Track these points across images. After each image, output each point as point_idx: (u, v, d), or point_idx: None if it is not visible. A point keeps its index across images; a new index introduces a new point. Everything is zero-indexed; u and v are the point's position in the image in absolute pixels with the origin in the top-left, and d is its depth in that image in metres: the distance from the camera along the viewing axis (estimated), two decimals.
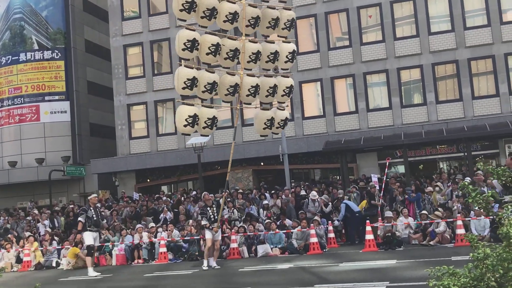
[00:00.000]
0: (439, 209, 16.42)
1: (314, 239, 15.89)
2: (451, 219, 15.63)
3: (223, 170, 28.41)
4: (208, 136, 13.65)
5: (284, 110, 13.79)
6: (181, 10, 11.90)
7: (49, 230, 21.17)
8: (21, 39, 33.93)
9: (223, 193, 15.10)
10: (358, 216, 17.24)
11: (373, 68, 26.86)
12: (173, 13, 30.93)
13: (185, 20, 12.20)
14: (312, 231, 16.03)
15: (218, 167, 28.76)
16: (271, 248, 16.37)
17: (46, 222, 22.25)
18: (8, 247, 19.19)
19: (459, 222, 14.94)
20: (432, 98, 25.95)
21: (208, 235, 14.14)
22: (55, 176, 30.06)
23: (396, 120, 26.18)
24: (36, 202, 31.34)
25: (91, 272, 14.69)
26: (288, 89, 13.49)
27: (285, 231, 17.00)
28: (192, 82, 11.99)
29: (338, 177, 26.26)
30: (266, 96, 13.26)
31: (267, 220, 17.73)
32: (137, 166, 29.55)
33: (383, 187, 18.70)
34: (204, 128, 12.48)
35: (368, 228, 15.63)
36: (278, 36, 13.61)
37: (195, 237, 17.34)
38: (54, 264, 18.32)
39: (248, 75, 13.02)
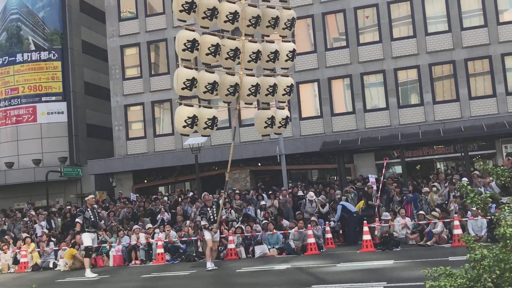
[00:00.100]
0: (436, 209, 16.44)
1: (311, 240, 15.88)
2: (448, 220, 15.65)
3: (221, 170, 28.47)
4: (209, 136, 13.66)
5: (284, 109, 13.81)
6: (181, 11, 11.90)
7: (46, 231, 21.12)
8: (18, 40, 33.87)
9: (223, 194, 15.12)
10: (355, 217, 17.25)
11: (370, 68, 26.89)
12: (170, 14, 31.03)
13: (185, 21, 12.21)
14: (310, 232, 16.03)
15: (216, 168, 28.76)
16: (269, 249, 16.36)
17: (43, 223, 22.21)
18: (5, 249, 19.15)
19: (456, 223, 14.96)
20: (429, 99, 25.98)
21: (207, 236, 14.11)
22: (52, 177, 30.02)
23: (393, 121, 26.21)
24: (33, 203, 31.29)
25: (89, 273, 14.67)
26: (288, 88, 13.51)
27: (282, 231, 17.00)
28: (192, 83, 12.00)
29: (335, 177, 26.26)
30: (266, 95, 13.27)
31: (264, 221, 17.72)
32: (134, 167, 29.52)
33: (380, 187, 18.71)
34: (204, 128, 12.49)
35: (366, 228, 15.64)
36: (279, 35, 13.64)
37: (192, 238, 17.33)
38: (51, 265, 18.27)
39: (247, 74, 13.03)
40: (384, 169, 19.79)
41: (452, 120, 25.09)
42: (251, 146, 27.22)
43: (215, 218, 14.23)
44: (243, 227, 17.27)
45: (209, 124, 12.46)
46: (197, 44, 12.03)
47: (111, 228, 19.31)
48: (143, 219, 20.55)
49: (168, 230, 17.95)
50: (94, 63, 36.03)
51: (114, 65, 30.59)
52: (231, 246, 16.55)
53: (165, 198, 23.94)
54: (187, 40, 11.92)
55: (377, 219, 16.85)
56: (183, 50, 11.96)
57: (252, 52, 12.81)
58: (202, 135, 13.31)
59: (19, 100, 33.36)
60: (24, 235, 20.27)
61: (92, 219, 14.99)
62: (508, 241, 4.08)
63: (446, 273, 4.24)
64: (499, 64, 25.35)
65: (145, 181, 30.57)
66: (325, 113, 27.29)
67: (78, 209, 16.77)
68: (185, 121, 12.09)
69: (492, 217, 4.55)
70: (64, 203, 29.72)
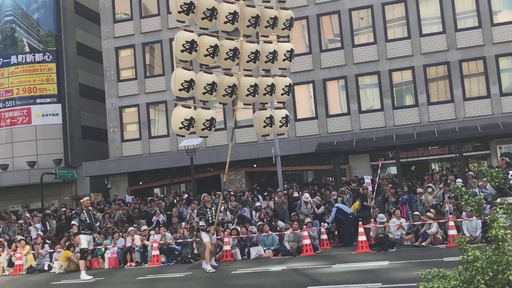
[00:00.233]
0: (431, 210, 16.49)
1: (307, 241, 15.90)
2: (443, 220, 15.70)
3: (216, 172, 28.49)
4: (206, 137, 13.65)
5: (282, 108, 13.83)
6: (179, 12, 11.90)
7: (41, 233, 21.05)
8: (12, 41, 33.77)
9: (220, 195, 15.13)
10: (351, 218, 17.28)
11: (365, 70, 26.95)
12: (165, 15, 30.98)
13: (183, 22, 12.20)
14: (305, 233, 16.05)
15: (211, 169, 28.76)
16: (264, 250, 16.37)
17: (38, 225, 22.12)
18: None
19: (451, 223, 15.01)
20: (423, 100, 26.05)
21: (206, 238, 14.09)
22: (47, 179, 29.92)
23: (388, 122, 26.27)
24: (28, 205, 31.18)
25: (84, 276, 14.65)
26: (287, 88, 13.54)
27: (278, 233, 17.00)
28: (189, 84, 11.99)
29: (330, 178, 26.31)
30: (264, 94, 13.30)
31: (260, 222, 17.72)
32: (129, 169, 29.48)
33: (375, 188, 18.75)
34: (202, 129, 12.49)
35: (361, 229, 15.67)
36: (278, 36, 13.67)
37: (188, 240, 17.32)
38: (46, 268, 18.23)
39: (246, 75, 13.05)
40: (379, 170, 19.84)
41: (446, 121, 25.17)
42: (247, 147, 27.23)
43: (214, 219, 14.21)
44: (239, 228, 17.28)
45: (207, 125, 12.46)
46: (195, 45, 12.02)
47: (106, 230, 19.27)
48: (138, 221, 20.52)
49: (163, 232, 17.93)
50: (89, 65, 35.96)
51: (109, 66, 30.55)
52: (226, 247, 16.55)
53: (159, 200, 23.88)
54: (185, 41, 11.91)
55: (372, 220, 16.89)
56: (182, 51, 11.95)
57: (251, 53, 12.83)
58: (200, 136, 13.32)
59: (13, 102, 33.26)
60: (19, 237, 20.20)
61: (88, 221, 14.96)
62: (500, 243, 4.11)
63: (439, 275, 4.26)
64: (493, 65, 25.45)
65: (140, 182, 30.52)
66: (320, 114, 27.33)
67: (73, 212, 16.70)
68: (181, 122, 12.09)
69: (486, 218, 4.58)
70: (59, 205, 29.64)
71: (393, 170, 26.00)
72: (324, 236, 17.29)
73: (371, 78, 27.14)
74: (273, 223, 17.84)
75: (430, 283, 4.29)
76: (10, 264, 18.89)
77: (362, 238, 15.49)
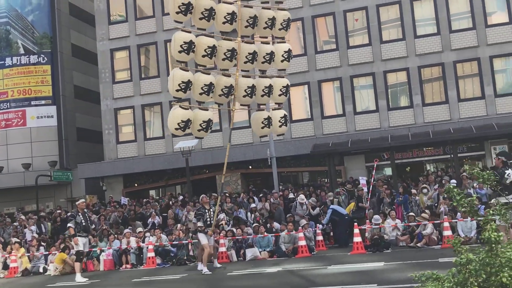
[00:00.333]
0: (426, 211, 16.53)
1: (302, 242, 15.92)
2: (438, 221, 15.75)
3: (211, 174, 28.49)
4: (202, 138, 13.64)
5: (279, 109, 13.85)
6: (177, 13, 11.87)
7: (36, 235, 21.00)
8: (7, 43, 33.69)
9: (218, 196, 15.14)
10: (346, 219, 17.30)
11: (360, 71, 27.01)
12: (160, 17, 30.95)
13: (181, 22, 12.18)
14: (301, 234, 16.06)
15: (206, 171, 28.75)
16: (260, 252, 16.37)
17: (33, 227, 22.06)
18: None
19: (446, 224, 15.05)
20: (418, 101, 26.13)
21: (204, 240, 14.08)
22: (42, 181, 29.85)
23: (383, 123, 26.33)
24: (23, 207, 31.10)
25: (79, 278, 14.62)
26: (284, 89, 13.55)
27: (273, 234, 17.01)
28: (187, 85, 11.98)
29: (326, 179, 26.34)
30: (262, 96, 13.29)
31: (255, 224, 17.74)
32: (124, 171, 29.43)
33: (370, 189, 18.80)
34: (199, 130, 12.46)
35: (356, 230, 15.70)
36: (275, 37, 13.69)
37: (183, 242, 17.30)
38: (41, 270, 18.19)
39: (243, 76, 13.05)
40: (374, 171, 19.89)
41: (441, 122, 25.25)
42: (242, 149, 27.24)
43: (212, 221, 14.21)
44: (234, 230, 17.28)
45: (204, 126, 12.43)
46: (193, 46, 12.02)
47: (102, 232, 19.24)
48: (134, 223, 20.49)
49: (159, 234, 17.91)
50: (84, 67, 35.92)
51: (104, 68, 30.51)
52: (222, 249, 16.55)
53: (154, 202, 23.84)
54: (183, 42, 11.89)
55: (367, 221, 16.93)
56: (179, 52, 11.92)
57: (249, 53, 12.84)
58: (196, 137, 13.30)
59: (8, 104, 33.18)
60: (14, 239, 20.14)
61: (83, 224, 14.92)
62: (493, 245, 4.13)
63: (433, 277, 4.28)
64: (488, 66, 25.56)
65: (136, 184, 30.48)
66: (315, 115, 27.37)
67: (69, 214, 16.66)
68: (178, 124, 12.06)
69: (479, 219, 4.61)
70: (54, 207, 29.55)
71: (388, 171, 26.06)
72: (320, 237, 17.31)
73: (366, 80, 27.21)
74: (268, 224, 17.85)
75: (424, 285, 4.31)
76: (5, 266, 18.85)
77: (357, 239, 15.52)
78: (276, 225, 17.70)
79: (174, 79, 11.94)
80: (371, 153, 25.03)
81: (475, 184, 17.25)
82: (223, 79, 12.66)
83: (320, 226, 17.79)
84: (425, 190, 18.24)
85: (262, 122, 13.29)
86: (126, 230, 18.85)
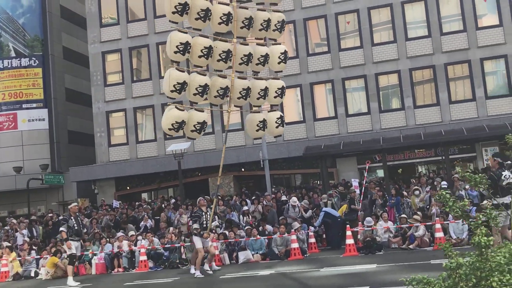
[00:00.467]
0: (418, 212, 16.60)
1: (295, 245, 15.94)
2: (430, 223, 15.81)
3: (204, 176, 28.46)
4: (194, 139, 13.61)
5: (274, 111, 13.86)
6: (173, 13, 11.85)
7: (27, 239, 20.88)
8: None
9: (214, 198, 15.11)
10: (339, 221, 17.34)
11: (352, 73, 27.08)
12: (152, 20, 30.85)
13: (177, 23, 12.17)
14: (293, 237, 16.08)
15: (199, 174, 28.71)
16: (252, 255, 16.37)
17: (24, 231, 21.94)
18: None
19: (438, 226, 15.11)
20: (410, 103, 26.24)
21: (198, 243, 14.04)
22: (33, 185, 29.71)
23: (375, 125, 26.41)
24: (14, 211, 30.92)
25: (71, 282, 14.53)
26: (280, 90, 13.56)
27: (266, 237, 17.01)
28: (182, 86, 11.96)
29: (318, 182, 26.37)
30: (258, 98, 13.30)
31: (248, 227, 17.73)
32: (116, 174, 29.33)
33: (363, 191, 18.84)
34: (192, 131, 12.44)
35: (348, 232, 15.73)
36: (269, 38, 13.70)
37: (176, 245, 17.27)
38: (32, 274, 18.07)
39: (239, 77, 13.05)
40: (366, 173, 19.94)
41: (432, 124, 25.35)
42: (235, 151, 27.21)
43: (207, 224, 14.17)
44: (227, 233, 17.26)
45: (198, 128, 12.42)
46: (189, 47, 12.01)
47: (94, 236, 19.16)
48: (126, 226, 20.42)
49: (151, 237, 17.86)
50: (76, 70, 35.79)
51: (96, 71, 30.42)
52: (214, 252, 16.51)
53: (146, 205, 23.77)
54: (180, 43, 11.87)
55: (360, 223, 16.97)
56: (175, 52, 11.91)
57: (244, 55, 12.84)
58: (188, 137, 13.28)
59: None
60: (5, 243, 20.01)
61: (76, 228, 14.80)
62: (483, 249, 4.15)
63: (424, 281, 4.30)
64: (478, 68, 25.71)
65: (128, 187, 30.38)
66: (307, 118, 27.41)
67: (61, 218, 16.57)
68: (172, 124, 12.04)
69: (470, 223, 4.63)
70: (46, 211, 29.41)
71: (380, 173, 26.13)
72: (312, 240, 17.34)
73: (358, 82, 27.29)
74: (260, 227, 17.84)
75: None
76: None
77: (349, 241, 15.55)
78: (268, 227, 17.70)
79: (170, 80, 11.92)
80: (363, 155, 25.07)
81: (466, 186, 17.33)
82: (218, 80, 12.66)
83: (313, 228, 17.82)
84: (417, 192, 18.30)
85: (257, 125, 13.29)
86: (119, 234, 18.79)
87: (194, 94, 12.26)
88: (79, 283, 14.69)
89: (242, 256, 16.29)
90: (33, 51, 33.63)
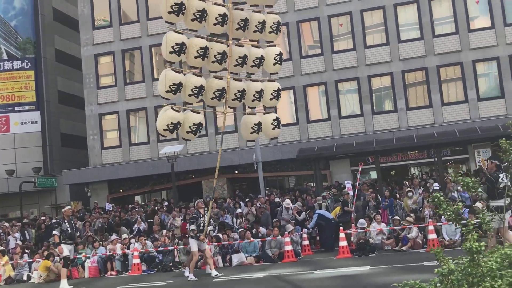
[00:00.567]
0: (411, 214, 16.63)
1: (288, 247, 15.93)
2: (423, 225, 15.85)
3: (197, 179, 28.42)
4: (189, 140, 13.59)
5: (270, 112, 13.86)
6: (169, 13, 11.83)
7: (20, 243, 20.78)
8: None
9: (210, 200, 15.09)
10: (332, 223, 17.36)
11: (345, 75, 27.14)
12: (145, 22, 30.78)
13: (173, 23, 12.15)
14: (287, 239, 16.07)
15: (192, 176, 28.67)
16: (246, 257, 16.35)
17: (17, 234, 21.85)
18: None
19: (431, 227, 15.15)
20: (402, 105, 26.32)
21: (194, 247, 14.00)
22: (26, 188, 29.58)
23: (368, 127, 26.47)
24: (7, 214, 30.77)
25: (64, 285, 14.42)
26: (276, 93, 13.56)
27: (259, 239, 17.00)
28: (177, 87, 11.95)
29: (312, 184, 26.40)
30: (253, 100, 13.30)
31: (241, 229, 17.72)
32: (109, 176, 29.24)
33: (356, 193, 18.88)
34: (187, 132, 12.43)
35: (342, 234, 15.74)
36: (266, 41, 13.72)
37: (169, 248, 17.22)
38: (25, 278, 17.97)
39: (235, 79, 13.05)
40: (359, 175, 19.97)
41: (425, 126, 25.44)
42: (228, 153, 27.17)
43: (204, 226, 14.14)
44: (220, 235, 17.24)
45: (193, 129, 12.40)
46: (184, 48, 12.00)
47: (87, 239, 19.08)
48: (119, 229, 20.35)
49: (143, 241, 17.79)
50: (68, 72, 35.68)
51: (88, 73, 30.34)
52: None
53: (141, 209, 23.73)
54: (175, 43, 11.85)
55: (353, 225, 16.99)
56: (170, 52, 11.88)
57: (239, 57, 12.85)
58: (183, 139, 13.26)
59: None
60: None
61: (69, 231, 14.65)
62: (475, 255, 4.16)
63: (416, 286, 4.31)
64: (471, 70, 25.83)
65: (121, 190, 30.30)
66: (301, 120, 27.45)
67: (55, 221, 16.44)
68: (167, 125, 12.02)
69: (462, 228, 4.64)
70: (39, 214, 29.29)
71: (373, 175, 26.19)
72: (306, 242, 17.34)
73: (351, 84, 27.35)
74: (254, 230, 17.82)
75: None
76: None
77: (343, 243, 15.56)
78: (262, 230, 17.70)
79: (166, 80, 11.89)
80: (356, 157, 25.15)
81: (459, 188, 17.38)
82: (214, 82, 12.65)
83: (306, 230, 17.82)
84: (410, 194, 18.34)
85: (252, 128, 13.29)
86: (114, 237, 18.72)
87: (189, 95, 12.25)
88: (71, 287, 14.60)
89: (236, 258, 16.26)
90: (25, 54, 33.51)
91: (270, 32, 13.44)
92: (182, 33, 12.10)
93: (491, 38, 25.73)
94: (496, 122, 23.04)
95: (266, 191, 23.68)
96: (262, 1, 13.60)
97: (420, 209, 17.30)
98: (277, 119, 13.71)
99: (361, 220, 16.73)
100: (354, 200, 18.56)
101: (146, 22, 29.56)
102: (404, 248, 15.38)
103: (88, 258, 17.78)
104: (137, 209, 22.89)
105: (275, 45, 13.71)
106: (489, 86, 26.32)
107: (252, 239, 16.81)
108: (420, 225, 15.80)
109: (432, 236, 14.95)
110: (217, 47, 12.51)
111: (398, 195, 19.00)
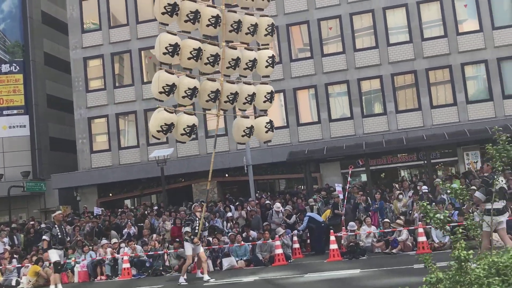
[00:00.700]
0: (401, 217, 16.68)
1: (279, 251, 15.92)
2: (413, 227, 15.89)
3: (187, 182, 28.33)
4: (184, 142, 13.56)
5: (264, 115, 13.85)
6: (163, 14, 11.82)
7: (8, 248, 20.59)
8: None
9: (204, 204, 15.06)
10: (323, 226, 17.37)
11: (334, 79, 27.20)
12: (134, 25, 30.68)
13: (167, 24, 12.13)
14: (277, 243, 16.06)
15: (182, 180, 28.58)
16: (236, 261, 16.32)
17: (5, 239, 21.62)
18: None
19: (421, 230, 15.19)
20: (392, 108, 26.41)
21: (188, 251, 13.95)
22: (14, 192, 29.32)
23: (358, 130, 26.54)
24: None
25: None
26: (269, 95, 13.57)
27: (250, 243, 16.97)
28: (171, 89, 11.93)
29: (302, 187, 26.42)
30: (244, 103, 13.30)
31: (231, 233, 17.67)
32: (99, 180, 29.06)
33: (346, 195, 18.91)
34: (182, 135, 12.39)
35: (332, 237, 15.76)
36: (261, 44, 13.72)
37: (159, 252, 17.15)
38: (14, 283, 17.81)
39: (228, 81, 13.04)
40: (349, 177, 20.00)
41: (414, 128, 25.55)
42: (218, 157, 27.03)
43: (197, 230, 14.09)
44: (210, 239, 17.19)
45: (188, 131, 12.39)
46: (178, 49, 11.97)
47: (76, 243, 18.95)
48: (109, 233, 20.23)
49: (133, 245, 17.69)
50: (57, 76, 35.46)
51: (77, 77, 30.18)
52: None
53: (131, 213, 23.60)
54: (169, 44, 11.83)
55: (343, 227, 17.01)
56: (164, 53, 11.86)
57: (232, 59, 12.85)
58: (177, 141, 13.23)
59: None
60: None
61: (60, 236, 14.48)
62: (463, 263, 4.17)
63: None
64: (459, 73, 25.98)
65: (110, 194, 30.12)
66: (291, 123, 27.47)
67: (45, 226, 16.28)
68: (161, 126, 11.98)
69: (451, 237, 4.66)
70: (27, 218, 29.05)
71: (363, 177, 26.26)
72: (296, 245, 17.33)
73: (341, 87, 27.42)
74: (244, 233, 17.77)
75: None
76: None
77: (333, 246, 15.58)
78: (252, 233, 17.67)
79: (159, 81, 11.87)
80: (346, 160, 25.20)
81: (448, 191, 17.42)
82: (208, 84, 12.64)
83: (296, 231, 17.81)
84: (400, 196, 18.41)
85: (244, 131, 13.29)
86: (104, 241, 18.61)
87: (183, 97, 12.23)
88: None
89: (226, 262, 16.23)
90: (13, 57, 33.27)
91: (265, 35, 13.47)
92: (175, 34, 12.09)
93: (479, 41, 25.90)
94: (485, 125, 23.18)
95: (257, 195, 23.65)
96: (253, 4, 13.62)
97: (410, 211, 17.35)
98: (270, 122, 13.72)
99: (351, 223, 16.76)
100: (345, 203, 18.59)
101: (135, 25, 29.47)
102: (394, 250, 15.42)
103: (78, 263, 17.66)
104: (127, 213, 22.77)
105: (267, 48, 13.73)
106: (477, 89, 26.49)
107: (242, 242, 16.78)
108: (410, 228, 15.85)
109: (422, 238, 15.00)
110: (210, 49, 12.51)
111: (388, 198, 19.05)
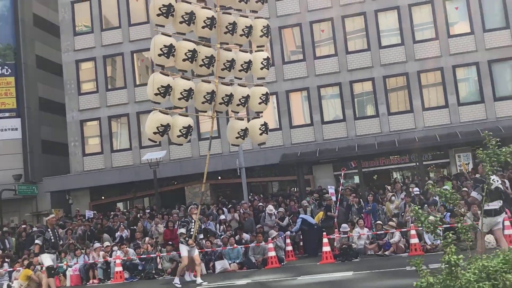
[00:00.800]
0: (393, 219, 16.73)
1: (272, 253, 15.92)
2: (405, 229, 15.94)
3: (180, 185, 28.29)
4: (181, 144, 13.56)
5: (259, 117, 13.86)
6: (158, 15, 11.83)
7: (0, 251, 20.47)
8: None
9: (199, 206, 15.05)
10: (316, 228, 17.39)
11: (327, 81, 27.26)
12: (126, 28, 30.63)
13: (163, 26, 12.13)
14: (270, 245, 16.06)
15: (175, 182, 28.54)
16: (229, 264, 16.30)
17: None
18: None
19: (413, 232, 15.24)
20: (384, 110, 26.51)
21: (184, 252, 13.94)
22: (6, 195, 29.17)
23: (350, 132, 26.61)
24: None
25: None
26: (264, 97, 13.58)
27: (243, 245, 16.96)
28: (166, 90, 11.93)
29: (295, 189, 26.45)
30: (238, 105, 13.31)
31: (224, 236, 17.65)
32: (91, 183, 28.97)
33: (339, 197, 18.94)
34: (178, 136, 12.39)
35: (325, 240, 15.78)
36: (257, 45, 13.73)
37: (151, 255, 17.11)
38: (5, 287, 17.71)
39: (222, 83, 13.05)
40: (342, 179, 20.03)
41: (406, 130, 25.64)
42: (211, 159, 26.83)
43: (192, 232, 14.08)
44: (203, 242, 17.16)
45: (184, 132, 12.39)
46: (173, 50, 11.98)
47: (68, 247, 18.87)
48: (102, 236, 20.16)
49: (125, 248, 17.63)
50: (49, 78, 35.31)
51: (69, 80, 30.08)
52: None
53: (123, 216, 23.53)
54: (164, 45, 11.83)
55: (336, 230, 17.03)
56: (159, 55, 11.86)
57: (227, 61, 12.87)
58: (174, 143, 13.23)
59: None
60: None
61: (53, 240, 14.35)
62: (453, 268, 4.20)
63: None
64: (451, 75, 26.11)
65: (103, 197, 30.03)
66: (284, 125, 27.51)
67: (38, 230, 16.15)
68: (157, 128, 11.97)
69: (442, 241, 4.69)
70: (19, 221, 28.89)
71: (356, 179, 26.32)
72: (289, 248, 17.33)
73: (333, 89, 27.50)
74: (237, 236, 17.75)
75: None
76: None
77: (326, 248, 15.60)
78: (245, 236, 17.67)
79: (154, 83, 11.87)
80: (339, 162, 25.26)
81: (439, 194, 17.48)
82: (204, 86, 12.65)
83: (289, 232, 17.82)
84: (393, 198, 18.45)
85: (238, 133, 13.31)
86: (97, 245, 18.54)
87: (179, 99, 12.24)
88: None
89: (219, 265, 16.21)
90: (5, 60, 33.11)
91: (261, 36, 13.50)
92: (170, 36, 12.11)
93: (470, 44, 26.05)
94: (476, 127, 23.37)
95: (249, 197, 23.65)
96: (247, 6, 13.65)
97: (402, 213, 17.39)
98: (265, 124, 13.75)
99: (344, 225, 16.79)
100: (337, 205, 18.62)
101: (127, 28, 29.43)
102: (386, 252, 15.46)
103: (70, 266, 17.59)
104: (119, 216, 22.69)
105: (262, 50, 13.76)
106: (469, 91, 26.63)
107: (235, 245, 16.77)
108: (402, 230, 15.90)
109: (414, 240, 15.05)
110: (205, 50, 12.53)
111: (380, 200, 19.10)
